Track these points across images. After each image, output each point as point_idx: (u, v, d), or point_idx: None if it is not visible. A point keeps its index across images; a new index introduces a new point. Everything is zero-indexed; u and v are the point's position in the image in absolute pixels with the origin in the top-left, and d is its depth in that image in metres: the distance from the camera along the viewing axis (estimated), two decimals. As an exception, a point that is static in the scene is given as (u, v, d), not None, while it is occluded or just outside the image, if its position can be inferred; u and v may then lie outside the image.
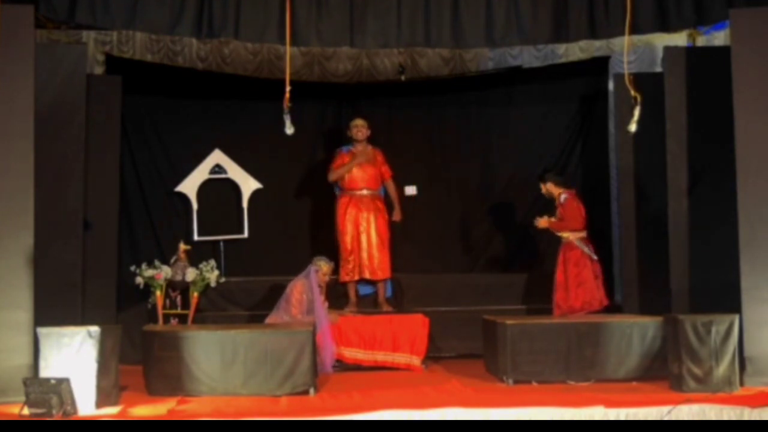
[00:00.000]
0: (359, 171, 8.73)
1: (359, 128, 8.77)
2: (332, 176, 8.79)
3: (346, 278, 8.59)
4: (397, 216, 8.88)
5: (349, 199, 8.74)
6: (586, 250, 7.98)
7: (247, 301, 8.70)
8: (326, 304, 7.89)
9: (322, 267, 7.88)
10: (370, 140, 8.90)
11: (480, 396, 6.30)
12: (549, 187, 8.23)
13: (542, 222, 8.14)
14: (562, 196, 8.12)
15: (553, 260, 8.24)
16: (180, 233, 9.19)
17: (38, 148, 6.52)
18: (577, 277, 7.92)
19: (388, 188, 8.94)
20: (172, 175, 9.43)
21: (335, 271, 8.38)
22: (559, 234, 8.09)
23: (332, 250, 8.64)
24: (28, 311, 6.31)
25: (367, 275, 8.63)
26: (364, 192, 8.75)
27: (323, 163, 9.29)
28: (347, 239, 8.65)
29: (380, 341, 7.84)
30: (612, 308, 8.52)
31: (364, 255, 8.61)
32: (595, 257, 8.00)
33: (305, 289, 7.67)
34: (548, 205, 8.37)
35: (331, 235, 8.85)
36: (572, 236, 8.01)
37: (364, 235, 8.64)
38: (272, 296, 8.13)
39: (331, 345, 7.66)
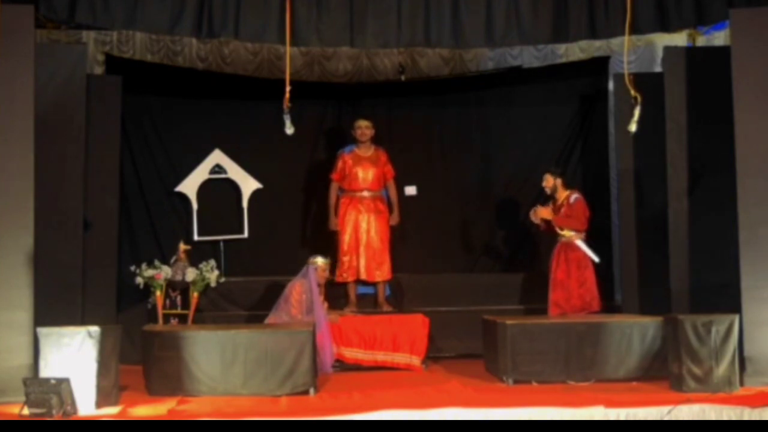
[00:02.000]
0: (361, 172, 8.69)
1: (363, 129, 8.69)
2: (329, 201, 8.78)
3: (341, 279, 8.53)
4: (394, 220, 8.80)
5: (350, 200, 8.70)
6: (588, 251, 7.96)
7: (247, 301, 8.68)
8: (326, 304, 7.89)
9: (318, 264, 7.87)
10: (373, 140, 8.85)
11: (480, 396, 6.30)
12: (558, 184, 8.14)
13: (544, 212, 8.06)
14: (573, 196, 8.05)
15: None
16: (180, 233, 9.19)
17: (38, 148, 6.52)
18: (580, 278, 7.90)
19: (389, 189, 8.86)
20: (172, 175, 9.43)
21: (332, 270, 8.36)
22: (560, 232, 8.06)
23: (332, 250, 8.63)
24: (28, 311, 6.32)
25: (363, 276, 8.59)
26: (365, 194, 8.69)
27: (323, 163, 9.30)
28: (345, 239, 8.61)
29: (380, 341, 7.84)
30: (612, 308, 8.53)
31: (362, 256, 8.56)
32: (597, 259, 7.98)
33: (305, 289, 7.66)
34: (546, 203, 8.32)
35: (332, 235, 8.82)
36: (574, 236, 8.00)
37: (364, 236, 8.59)
38: (272, 296, 8.10)
39: (331, 345, 7.66)
